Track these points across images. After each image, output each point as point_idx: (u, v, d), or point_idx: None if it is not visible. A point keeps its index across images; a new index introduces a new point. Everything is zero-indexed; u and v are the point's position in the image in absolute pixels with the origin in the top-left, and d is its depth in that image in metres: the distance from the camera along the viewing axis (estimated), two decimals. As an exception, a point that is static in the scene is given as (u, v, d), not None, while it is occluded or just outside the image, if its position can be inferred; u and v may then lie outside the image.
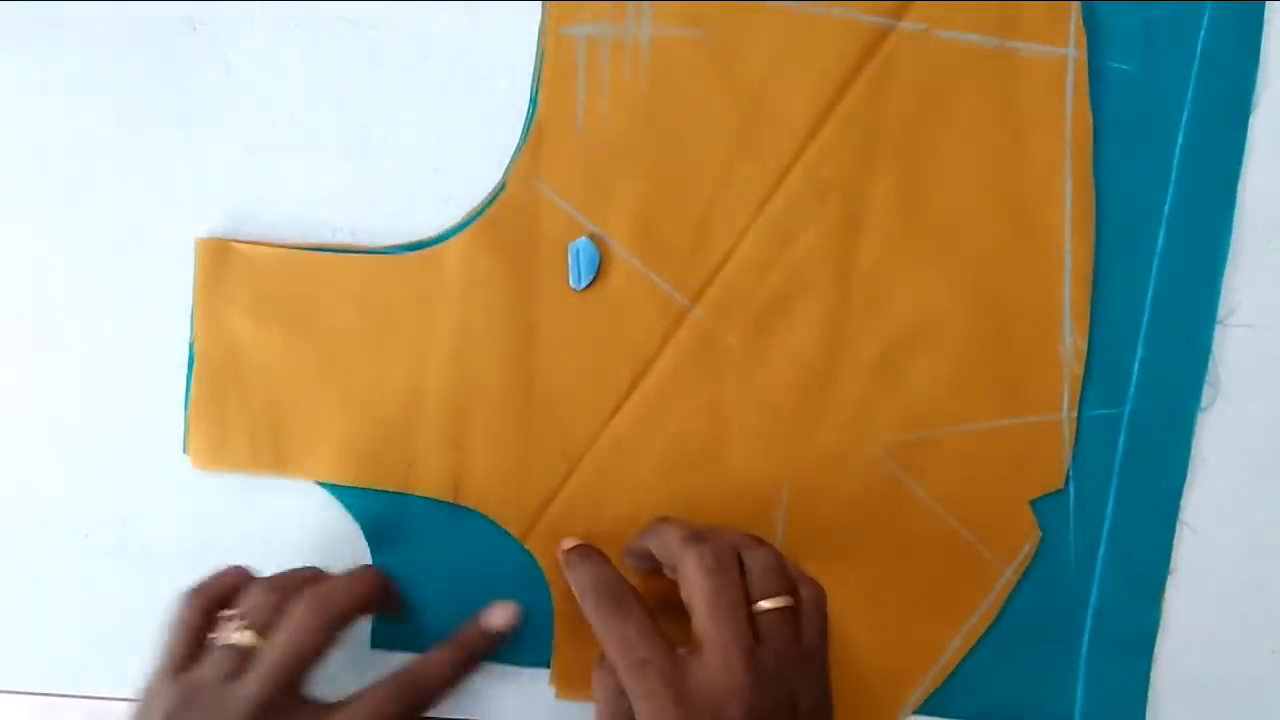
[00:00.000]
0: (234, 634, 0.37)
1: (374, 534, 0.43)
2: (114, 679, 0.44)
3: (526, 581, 0.43)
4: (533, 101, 0.42)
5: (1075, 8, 0.41)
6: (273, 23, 0.42)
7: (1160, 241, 0.42)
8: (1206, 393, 0.43)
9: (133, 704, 0.38)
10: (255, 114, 0.42)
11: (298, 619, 0.37)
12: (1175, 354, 0.42)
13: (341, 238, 0.43)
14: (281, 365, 0.42)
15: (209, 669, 0.37)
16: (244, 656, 0.37)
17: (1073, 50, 0.41)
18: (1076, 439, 0.42)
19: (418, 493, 0.42)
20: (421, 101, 0.42)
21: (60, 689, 0.44)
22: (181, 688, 0.37)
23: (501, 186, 0.42)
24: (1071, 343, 0.42)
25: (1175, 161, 0.42)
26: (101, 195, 0.43)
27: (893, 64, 0.41)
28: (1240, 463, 0.43)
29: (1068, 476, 0.42)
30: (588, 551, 0.40)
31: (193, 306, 0.42)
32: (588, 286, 0.42)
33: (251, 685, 0.36)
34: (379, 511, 0.43)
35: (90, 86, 0.43)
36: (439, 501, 0.42)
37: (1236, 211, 0.42)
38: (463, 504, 0.42)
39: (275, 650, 0.37)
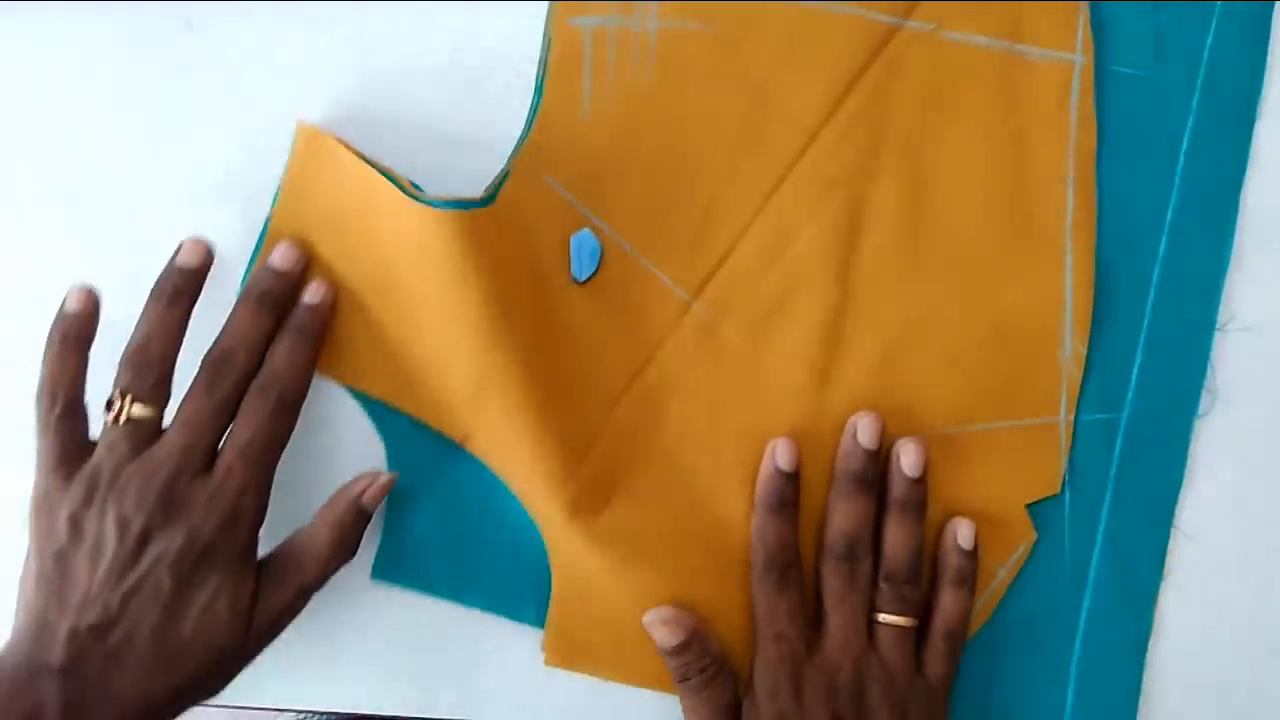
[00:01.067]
0: (133, 410, 0.37)
1: (396, 456, 0.42)
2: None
3: (529, 548, 0.42)
4: (538, 91, 0.42)
5: (1083, 12, 0.41)
6: (270, 22, 0.42)
7: (1162, 247, 0.42)
8: (1204, 399, 0.43)
9: (31, 521, 0.37)
10: (253, 113, 0.42)
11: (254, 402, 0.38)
12: (1174, 360, 0.42)
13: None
14: (340, 271, 0.41)
15: (109, 453, 0.37)
16: (145, 430, 0.38)
17: (1079, 56, 0.41)
18: (1073, 443, 0.42)
19: (443, 430, 0.42)
20: (423, 97, 0.42)
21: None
22: (82, 483, 0.37)
23: (505, 174, 0.42)
24: (1071, 347, 0.42)
25: (1179, 167, 0.42)
26: (99, 195, 0.43)
27: (899, 63, 0.41)
28: (1236, 469, 0.43)
29: (1064, 480, 0.42)
30: (784, 509, 0.41)
31: (278, 189, 0.42)
32: (589, 278, 0.42)
33: (170, 441, 0.37)
34: (406, 435, 0.42)
35: (87, 86, 0.43)
36: (463, 449, 0.42)
37: (1239, 218, 0.42)
38: (482, 458, 0.42)
39: (188, 411, 0.38)
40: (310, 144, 0.41)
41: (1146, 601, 0.43)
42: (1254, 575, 0.43)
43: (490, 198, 0.41)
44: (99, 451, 0.38)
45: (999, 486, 0.42)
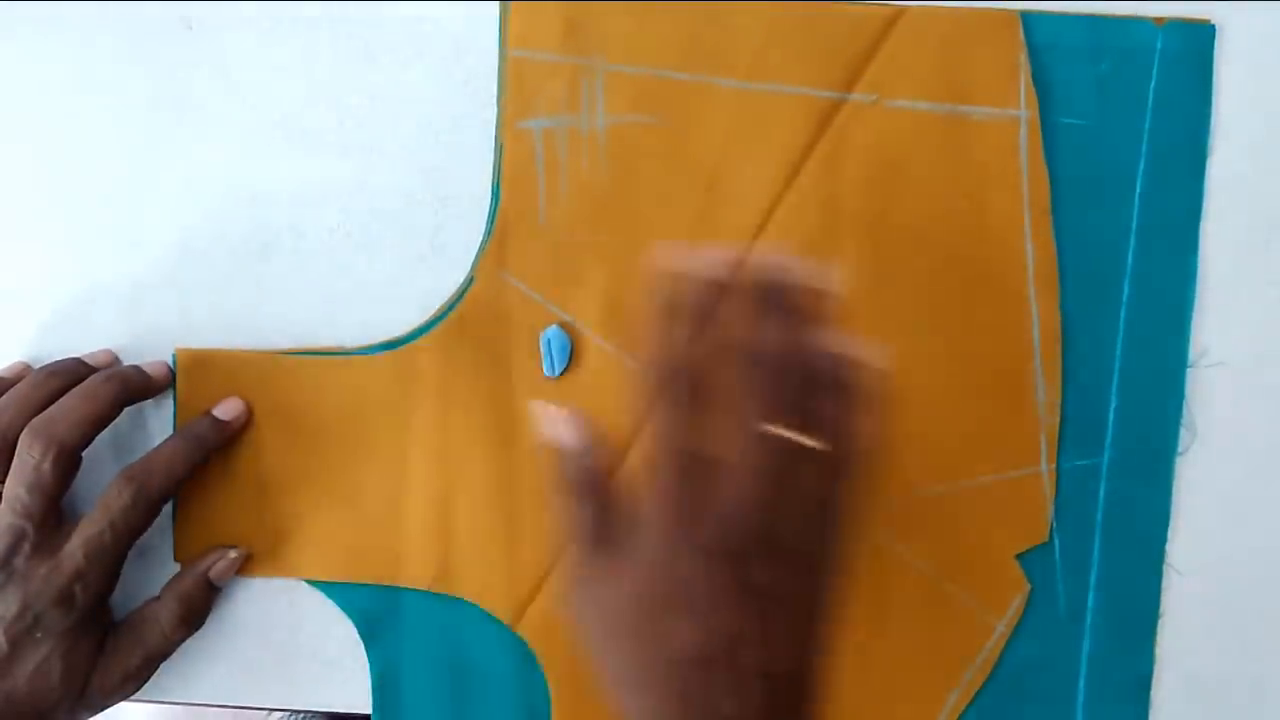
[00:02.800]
0: None
1: (367, 627, 0.43)
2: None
3: (521, 666, 0.43)
4: (495, 194, 0.42)
5: (1023, 69, 0.41)
6: (268, 22, 0.43)
7: (1126, 290, 0.42)
8: (1183, 436, 0.43)
9: None
10: (253, 113, 0.43)
11: (25, 450, 0.39)
12: (1149, 400, 0.43)
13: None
14: (265, 466, 0.43)
15: None
16: None
17: (1024, 110, 0.41)
18: (1057, 491, 0.42)
19: (406, 585, 0.43)
20: (423, 97, 0.43)
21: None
22: None
23: (470, 280, 0.42)
24: (1045, 396, 0.42)
25: (1135, 210, 0.42)
26: (98, 194, 0.43)
27: (846, 136, 0.41)
28: (1222, 503, 0.43)
29: (1051, 528, 0.43)
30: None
31: (174, 413, 0.43)
32: (562, 374, 0.42)
33: (2, 518, 0.39)
34: (370, 605, 0.43)
35: (86, 85, 0.43)
36: (430, 593, 0.43)
37: (1200, 254, 0.42)
38: (451, 594, 0.42)
39: (12, 487, 0.39)
40: (194, 365, 0.43)
41: (1145, 640, 0.43)
42: (1246, 607, 0.43)
43: (411, 336, 0.42)
44: None
45: (989, 540, 0.42)
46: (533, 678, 0.43)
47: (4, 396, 0.40)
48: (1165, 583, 0.43)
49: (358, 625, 0.43)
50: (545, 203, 0.42)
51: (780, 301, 0.33)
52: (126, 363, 0.43)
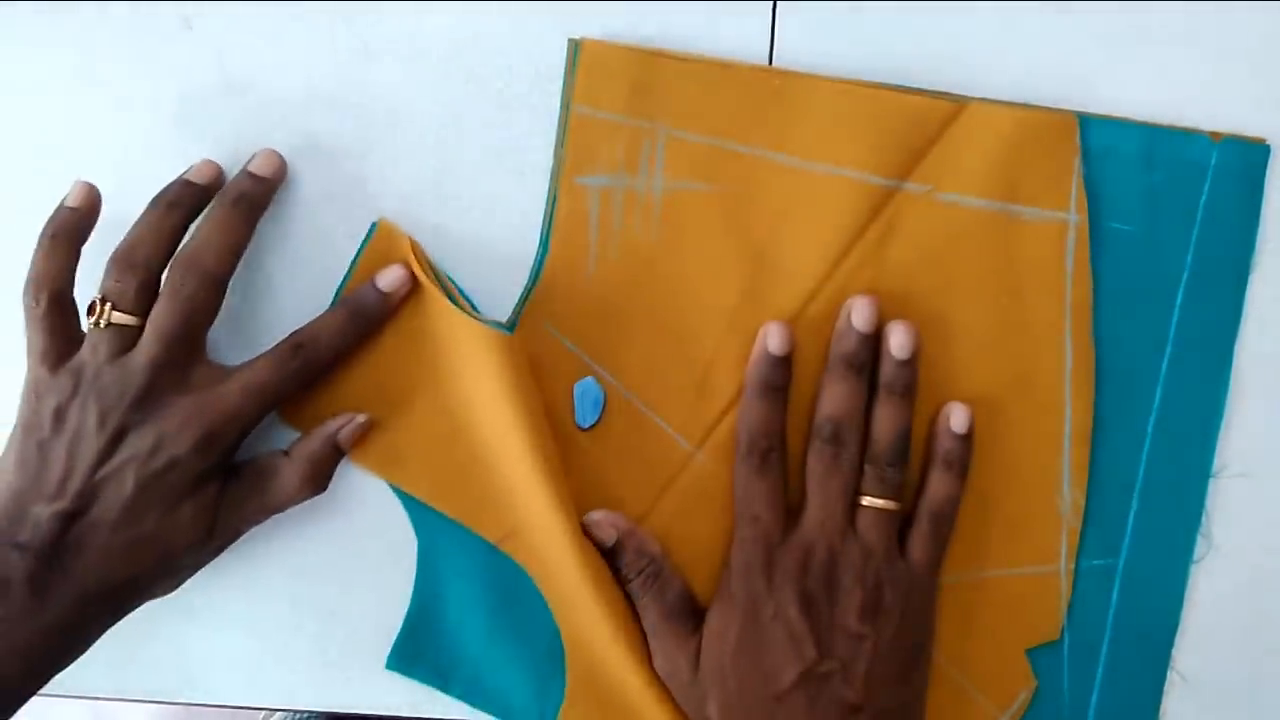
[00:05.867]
0: (114, 316, 0.39)
1: (426, 553, 0.43)
2: (114, 681, 0.45)
3: (550, 649, 0.43)
4: (543, 244, 0.43)
5: (1077, 172, 0.42)
6: (268, 22, 0.43)
7: (1157, 398, 0.43)
8: (1200, 544, 0.43)
9: (20, 405, 0.39)
10: (253, 113, 0.43)
11: (176, 284, 0.39)
12: (1170, 507, 0.43)
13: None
14: (393, 368, 0.42)
15: (92, 354, 0.39)
16: (125, 335, 0.39)
17: (1074, 214, 0.42)
18: (1072, 589, 0.43)
19: (480, 532, 0.43)
20: (423, 96, 0.43)
21: (59, 690, 0.44)
22: (69, 376, 0.39)
23: (511, 327, 0.43)
24: (1070, 497, 0.43)
25: (1174, 320, 0.43)
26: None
27: (896, 224, 0.42)
28: (1233, 614, 0.44)
29: (1063, 626, 0.43)
30: (771, 393, 0.41)
31: (347, 273, 0.43)
32: (592, 426, 0.43)
33: (146, 350, 0.39)
34: (440, 534, 0.43)
35: (86, 84, 0.43)
36: (496, 550, 0.43)
37: (1234, 368, 0.43)
38: (515, 558, 0.43)
39: (164, 316, 0.39)
40: (386, 240, 0.43)
41: (1144, 744, 0.44)
42: (1248, 718, 0.44)
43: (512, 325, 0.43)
44: (84, 350, 0.39)
45: (1001, 634, 0.43)
46: (555, 652, 0.43)
47: (133, 230, 0.40)
48: (1168, 688, 0.44)
49: (420, 546, 0.43)
50: (595, 259, 0.42)
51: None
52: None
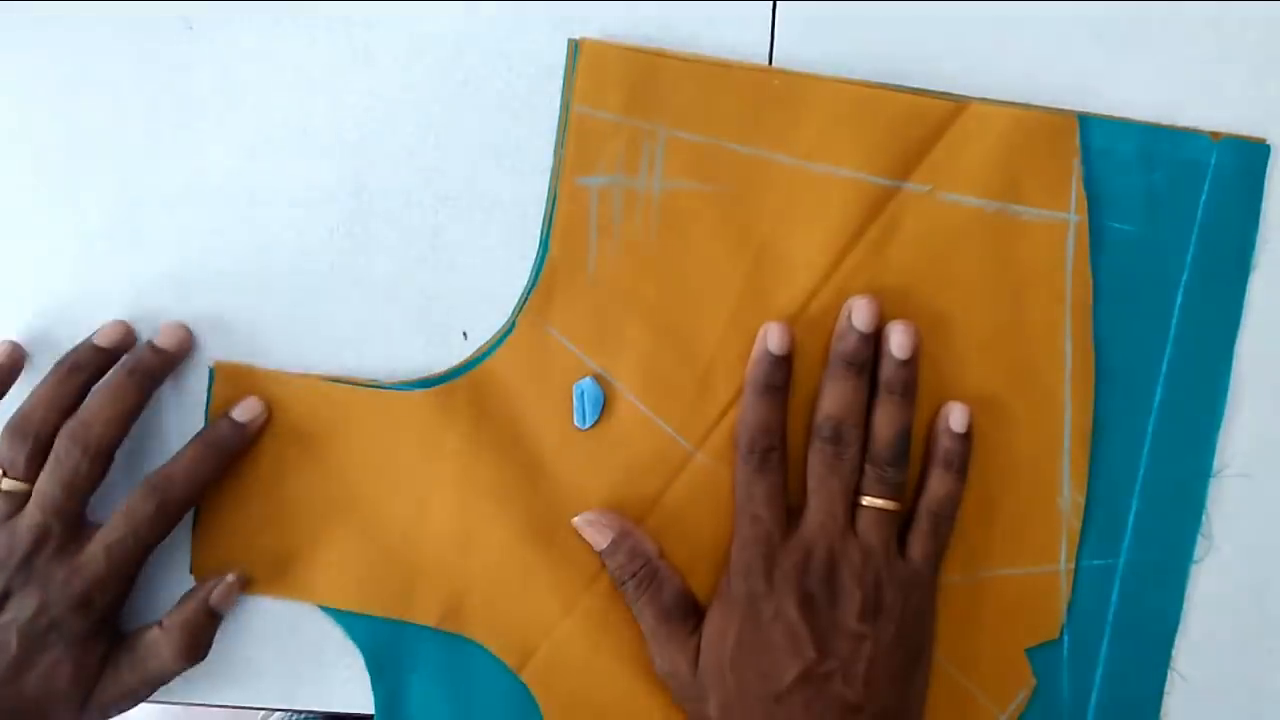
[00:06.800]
0: (3, 483, 0.40)
1: (374, 659, 0.43)
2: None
3: (522, 712, 0.43)
4: (543, 244, 0.43)
5: (1077, 172, 0.42)
6: (268, 22, 0.43)
7: (1158, 398, 0.43)
8: (1200, 544, 0.43)
9: None
10: (253, 113, 0.43)
11: (61, 454, 0.40)
12: (1170, 507, 0.43)
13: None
14: (288, 488, 0.43)
15: None
16: (15, 500, 0.40)
17: (1074, 215, 0.42)
18: (1072, 589, 0.43)
19: (415, 620, 0.43)
20: (423, 96, 0.43)
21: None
22: None
23: (511, 327, 0.43)
24: (1070, 498, 0.43)
25: (1174, 319, 0.43)
26: (98, 194, 0.43)
27: (897, 223, 0.42)
28: (1233, 613, 0.44)
29: (1063, 626, 0.43)
30: (770, 392, 0.41)
31: (204, 422, 0.43)
32: (592, 426, 0.43)
33: (30, 516, 0.40)
34: (379, 637, 0.43)
35: (86, 85, 0.43)
36: (438, 630, 0.43)
37: (1234, 367, 0.43)
38: (459, 633, 0.43)
39: (47, 485, 0.40)
40: (230, 380, 0.43)
41: (1144, 744, 0.44)
42: (1248, 715, 0.44)
43: (449, 375, 0.43)
44: None
45: (1001, 633, 0.43)
46: (528, 708, 0.43)
47: (31, 396, 0.41)
48: (1169, 687, 0.44)
49: (365, 656, 0.43)
50: (595, 259, 0.42)
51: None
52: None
